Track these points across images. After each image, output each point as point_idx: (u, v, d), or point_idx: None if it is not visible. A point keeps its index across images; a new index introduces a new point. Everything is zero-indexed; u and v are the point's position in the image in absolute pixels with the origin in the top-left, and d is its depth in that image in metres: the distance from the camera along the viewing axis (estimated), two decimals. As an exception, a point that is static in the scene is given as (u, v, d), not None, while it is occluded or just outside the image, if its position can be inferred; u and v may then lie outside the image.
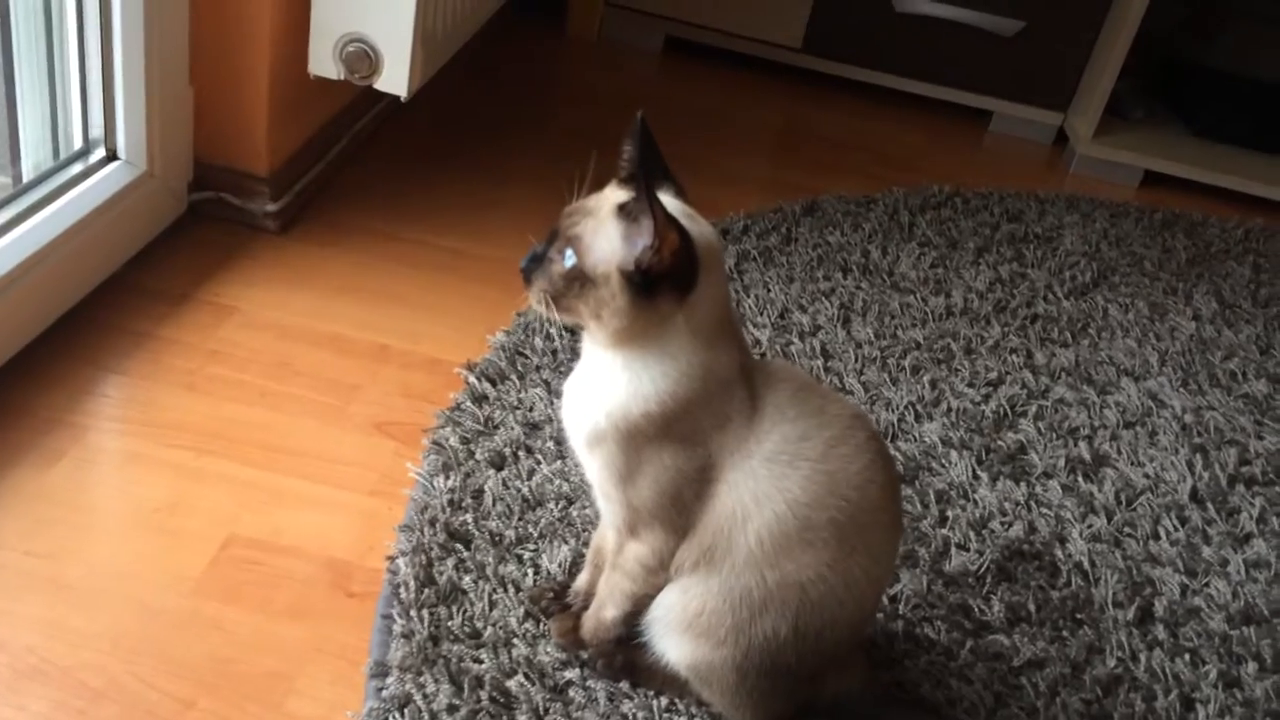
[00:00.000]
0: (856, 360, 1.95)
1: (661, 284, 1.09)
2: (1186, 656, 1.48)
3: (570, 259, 1.11)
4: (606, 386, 1.16)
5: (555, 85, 2.98)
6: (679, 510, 1.17)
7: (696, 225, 1.13)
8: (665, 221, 1.06)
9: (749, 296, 2.07)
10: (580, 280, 1.11)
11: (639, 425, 1.14)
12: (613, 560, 1.26)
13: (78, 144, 1.83)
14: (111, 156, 1.86)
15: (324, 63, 1.90)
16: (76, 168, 1.82)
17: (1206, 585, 1.61)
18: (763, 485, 1.13)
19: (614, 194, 1.14)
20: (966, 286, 2.23)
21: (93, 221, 1.76)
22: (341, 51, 1.89)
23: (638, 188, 1.07)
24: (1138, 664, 1.46)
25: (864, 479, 1.15)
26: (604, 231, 1.10)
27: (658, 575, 1.21)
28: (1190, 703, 1.43)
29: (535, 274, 1.14)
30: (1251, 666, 1.49)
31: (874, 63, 3.04)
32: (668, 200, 1.13)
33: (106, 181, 1.82)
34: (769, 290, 2.10)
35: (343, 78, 1.91)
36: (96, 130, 1.84)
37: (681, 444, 1.15)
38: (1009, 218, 2.52)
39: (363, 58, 1.88)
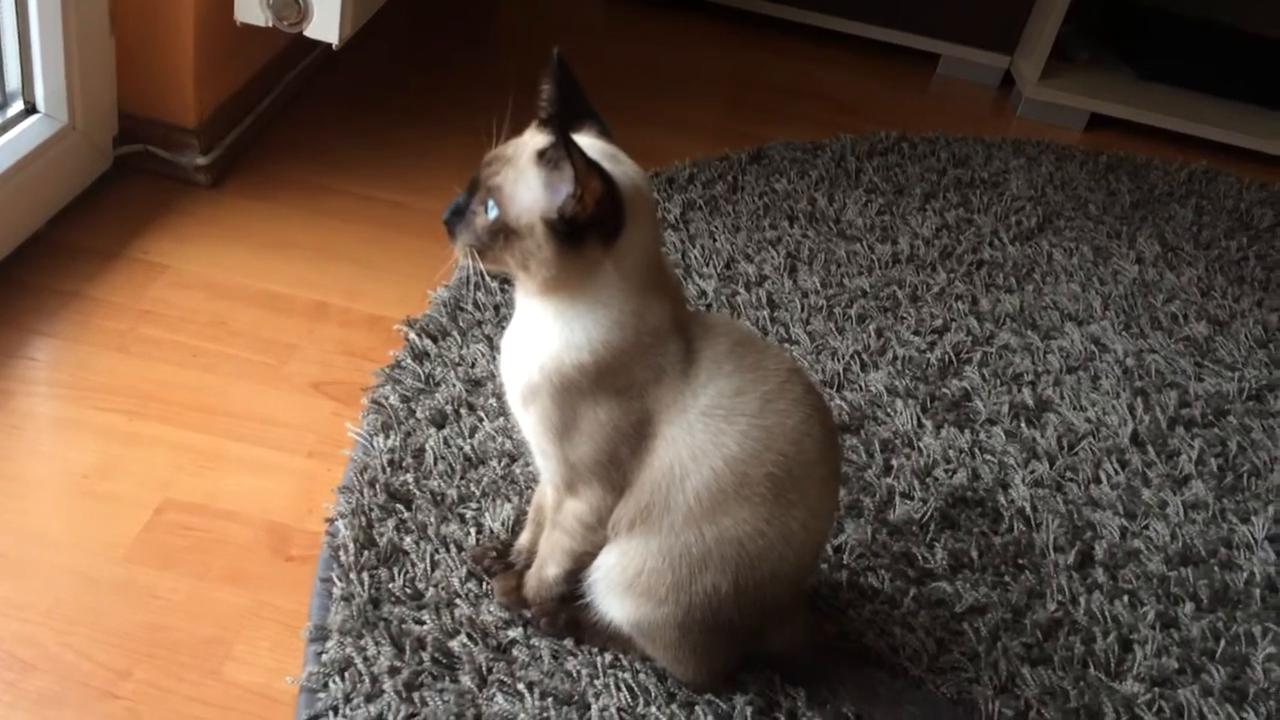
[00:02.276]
0: (803, 310, 1.94)
1: (587, 231, 1.06)
2: (1125, 598, 1.51)
3: (493, 210, 1.08)
4: (540, 338, 1.14)
5: (497, 31, 2.91)
6: (616, 466, 1.15)
7: (620, 167, 1.10)
8: (586, 168, 1.03)
9: (695, 246, 2.05)
10: (504, 232, 1.08)
11: (572, 377, 1.12)
12: (552, 518, 1.25)
13: (-6, 97, 1.77)
14: (30, 109, 1.79)
15: (251, 9, 1.84)
16: (-7, 122, 1.75)
17: (1146, 528, 1.63)
18: (699, 441, 1.12)
19: (533, 139, 1.10)
20: (913, 233, 2.23)
21: (12, 177, 1.70)
22: (269, -2, 1.82)
23: (555, 134, 1.04)
24: (1077, 607, 1.48)
25: (801, 433, 1.14)
26: (525, 181, 1.07)
27: (597, 532, 1.20)
28: (1128, 644, 1.45)
29: (458, 227, 1.11)
30: (1189, 607, 1.51)
31: (821, 6, 2.99)
32: (589, 141, 1.10)
33: (25, 136, 1.76)
34: (715, 240, 2.08)
35: (271, 25, 1.85)
36: (13, 82, 1.77)
37: (616, 397, 1.13)
38: (955, 163, 2.51)
39: (291, 4, 1.82)
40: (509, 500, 1.47)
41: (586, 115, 1.14)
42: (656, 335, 1.13)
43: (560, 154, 1.03)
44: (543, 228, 1.07)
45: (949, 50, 3.02)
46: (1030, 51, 2.91)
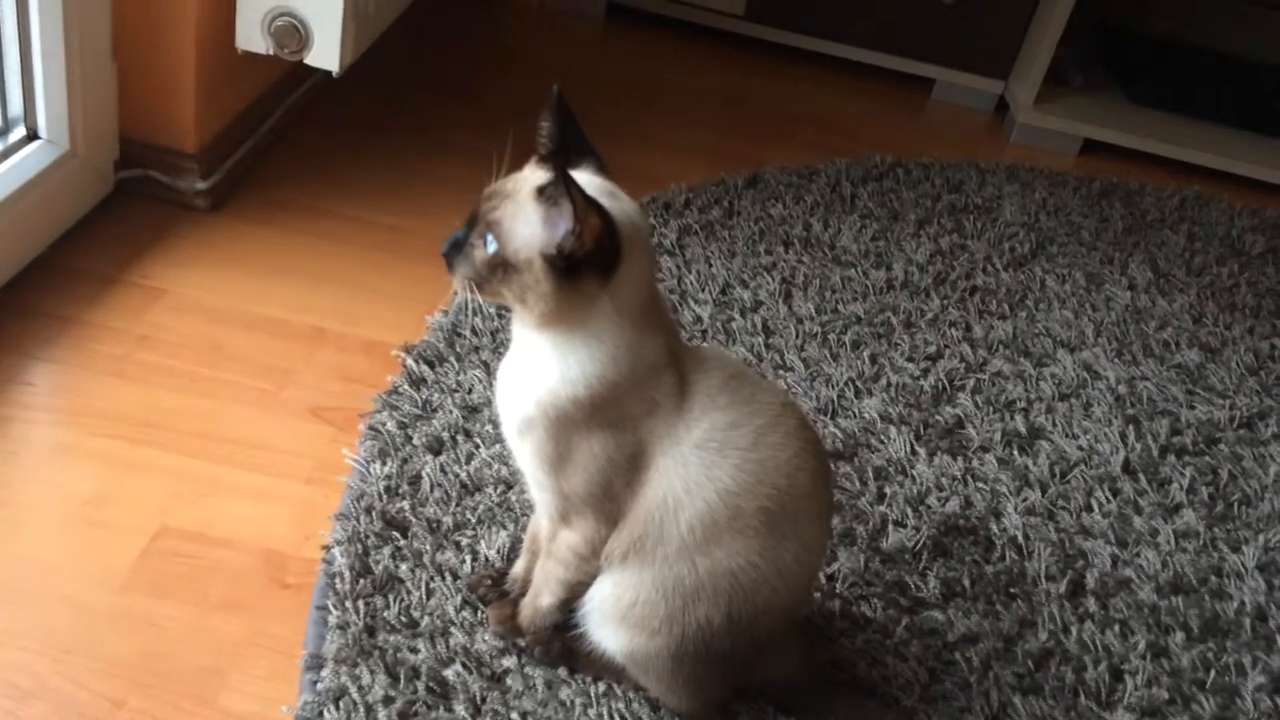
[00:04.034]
0: (797, 336, 1.95)
1: (585, 266, 1.08)
2: (1116, 628, 1.52)
3: (492, 245, 1.10)
4: (536, 370, 1.15)
5: (495, 54, 2.93)
6: (610, 498, 1.17)
7: (618, 204, 1.12)
8: (585, 205, 1.04)
9: (690, 272, 2.06)
10: (503, 266, 1.10)
11: (567, 411, 1.14)
12: (546, 548, 1.26)
13: (-4, 123, 1.78)
14: (32, 135, 1.81)
15: (252, 37, 1.86)
16: (-5, 148, 1.77)
17: (1137, 556, 1.64)
18: (693, 473, 1.14)
19: (533, 175, 1.12)
20: (907, 259, 2.24)
21: (14, 203, 1.71)
22: (270, 26, 1.84)
23: (554, 171, 1.06)
24: (1069, 636, 1.49)
25: (794, 467, 1.15)
26: (524, 216, 1.09)
27: (590, 563, 1.21)
28: (1119, 674, 1.46)
29: (457, 260, 1.13)
30: (1179, 636, 1.52)
31: (817, 30, 3.02)
32: (588, 178, 1.12)
33: (28, 162, 1.77)
34: (710, 265, 2.10)
35: (272, 53, 1.86)
36: (15, 108, 1.78)
37: (610, 430, 1.14)
38: (950, 188, 2.53)
39: (292, 32, 1.84)
40: (504, 528, 1.48)
41: (585, 151, 1.15)
42: (651, 369, 1.14)
43: (560, 191, 1.05)
44: (541, 263, 1.08)
45: (943, 75, 3.04)
46: (1024, 76, 2.93)
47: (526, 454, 1.19)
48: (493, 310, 1.82)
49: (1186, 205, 2.67)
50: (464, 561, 1.42)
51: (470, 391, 1.69)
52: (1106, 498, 1.73)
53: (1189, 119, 3.01)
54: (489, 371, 1.71)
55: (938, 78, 3.05)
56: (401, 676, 1.26)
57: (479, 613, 1.36)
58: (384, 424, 1.60)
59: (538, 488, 1.22)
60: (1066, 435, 1.85)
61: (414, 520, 1.46)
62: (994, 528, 1.64)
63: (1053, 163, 2.81)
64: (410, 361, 1.72)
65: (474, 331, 1.80)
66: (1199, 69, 3.15)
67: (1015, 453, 1.79)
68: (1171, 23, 3.22)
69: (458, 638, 1.32)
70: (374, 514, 1.46)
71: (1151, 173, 2.85)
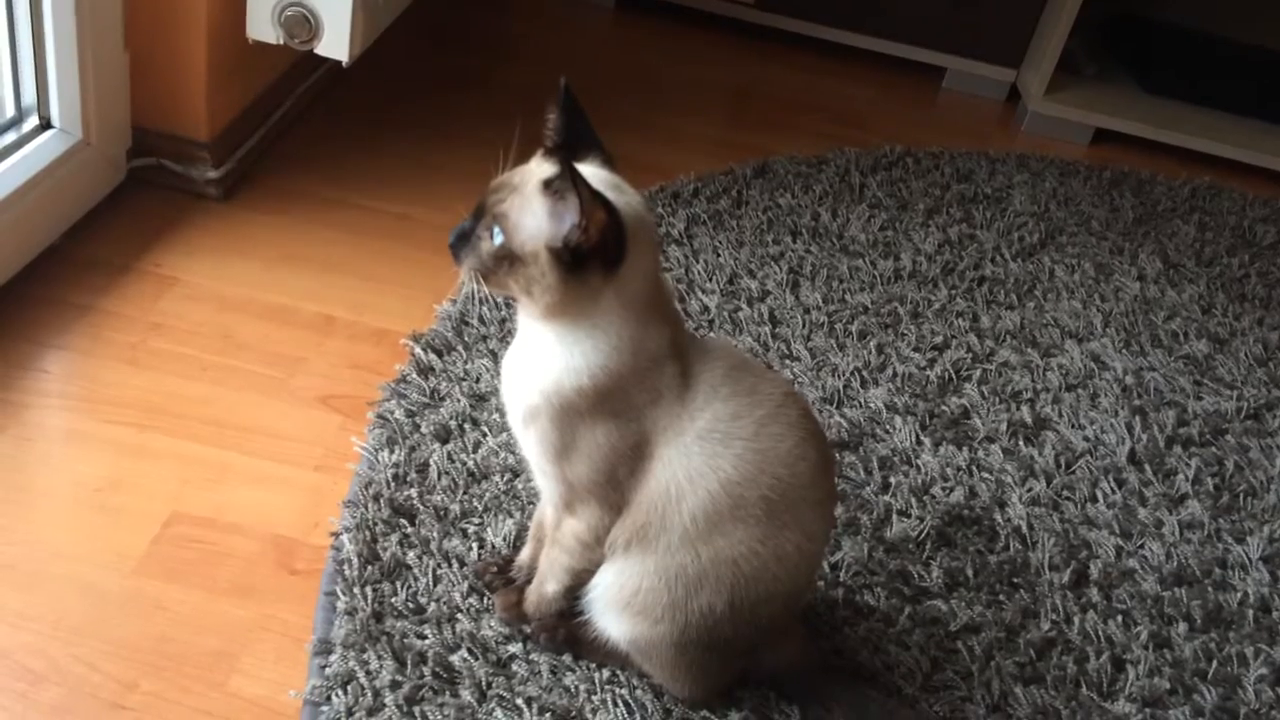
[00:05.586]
0: (804, 326, 1.96)
1: (590, 259, 1.09)
2: (1119, 618, 1.52)
3: (498, 237, 1.11)
4: (541, 361, 1.16)
5: (505, 44, 2.94)
6: (614, 486, 1.18)
7: (624, 197, 1.13)
8: (592, 199, 1.05)
9: (698, 261, 2.07)
10: (509, 258, 1.11)
11: (572, 400, 1.15)
12: (552, 536, 1.27)
13: (10, 113, 1.80)
14: (45, 125, 1.82)
15: (262, 27, 1.87)
16: (9, 137, 1.78)
17: (1141, 547, 1.64)
18: (696, 463, 1.15)
19: (539, 167, 1.13)
20: (915, 249, 2.24)
21: (28, 192, 1.73)
22: (280, 16, 1.85)
23: (560, 164, 1.06)
24: (1071, 626, 1.50)
25: (795, 457, 1.16)
26: (530, 209, 1.10)
27: (595, 550, 1.22)
28: (1121, 664, 1.46)
29: (464, 251, 1.14)
30: (1182, 627, 1.53)
31: (828, 19, 3.02)
32: (593, 171, 1.13)
33: (41, 151, 1.79)
34: (718, 255, 2.10)
35: (282, 43, 1.87)
36: (29, 98, 1.80)
37: (615, 419, 1.15)
38: (959, 178, 2.53)
39: (302, 22, 1.85)
40: (511, 516, 1.49)
41: (591, 144, 1.16)
42: (655, 360, 1.15)
43: (566, 184, 1.06)
44: (547, 255, 1.09)
45: (955, 64, 3.03)
46: (1036, 65, 2.92)
47: (531, 442, 1.21)
48: (500, 300, 1.83)
49: (1198, 195, 2.67)
50: (471, 549, 1.44)
51: (478, 380, 1.70)
52: (1111, 488, 1.73)
53: (1202, 108, 2.99)
54: (496, 361, 1.72)
55: (949, 66, 3.04)
56: (409, 662, 1.28)
57: (485, 599, 1.38)
58: (392, 412, 1.61)
59: (543, 476, 1.23)
60: (1073, 426, 1.85)
61: (421, 508, 1.48)
62: (998, 518, 1.65)
63: (1064, 152, 2.80)
64: (419, 350, 1.73)
65: (482, 321, 1.81)
66: (1213, 58, 3.13)
67: (1021, 443, 1.79)
68: (1184, 11, 3.20)
69: (464, 624, 1.34)
70: (382, 501, 1.47)
71: (1163, 162, 2.84)
